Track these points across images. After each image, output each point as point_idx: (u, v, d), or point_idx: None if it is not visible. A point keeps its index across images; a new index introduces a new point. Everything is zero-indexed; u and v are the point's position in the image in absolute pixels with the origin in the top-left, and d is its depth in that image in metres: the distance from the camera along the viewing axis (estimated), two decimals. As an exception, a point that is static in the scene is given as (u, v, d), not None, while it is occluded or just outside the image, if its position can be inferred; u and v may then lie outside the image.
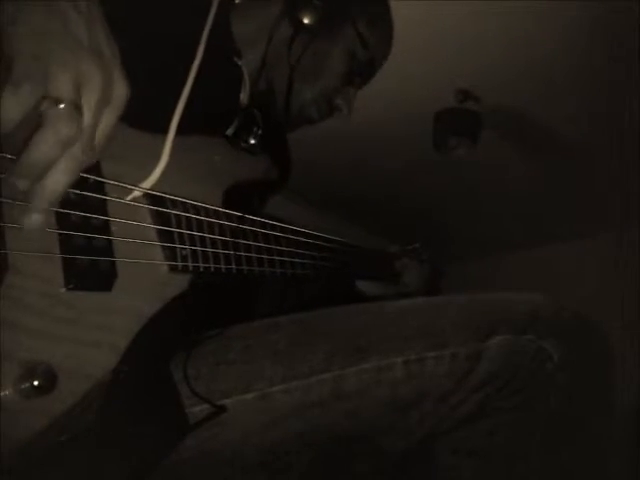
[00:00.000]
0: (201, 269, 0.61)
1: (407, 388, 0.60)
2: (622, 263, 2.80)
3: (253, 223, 0.70)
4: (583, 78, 2.00)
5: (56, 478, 0.50)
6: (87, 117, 0.42)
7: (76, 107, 0.40)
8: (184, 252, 0.59)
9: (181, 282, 0.60)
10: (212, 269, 0.63)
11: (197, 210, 0.63)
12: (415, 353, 0.60)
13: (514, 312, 0.60)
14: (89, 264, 0.50)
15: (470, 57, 1.96)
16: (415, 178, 2.77)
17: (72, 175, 0.42)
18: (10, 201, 0.44)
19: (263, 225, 0.72)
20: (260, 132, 0.74)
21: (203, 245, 0.62)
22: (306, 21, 0.77)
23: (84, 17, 0.43)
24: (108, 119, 0.44)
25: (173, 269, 0.58)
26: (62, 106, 0.39)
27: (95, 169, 0.52)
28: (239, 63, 0.79)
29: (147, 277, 0.56)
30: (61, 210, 0.48)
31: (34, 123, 0.40)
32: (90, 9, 0.44)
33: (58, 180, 0.41)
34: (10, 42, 0.39)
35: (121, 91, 0.44)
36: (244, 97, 0.80)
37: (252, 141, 0.73)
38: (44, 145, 0.40)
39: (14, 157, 0.42)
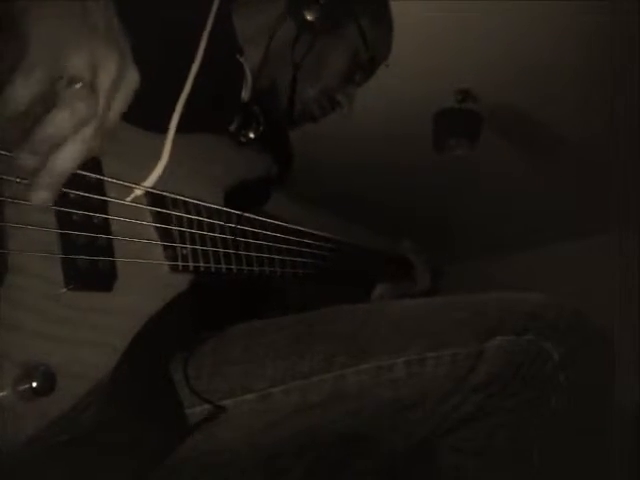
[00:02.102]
0: (201, 269, 0.61)
1: (408, 388, 0.60)
2: (622, 263, 2.80)
3: (254, 222, 0.70)
4: (583, 78, 2.00)
5: (55, 478, 0.50)
6: (101, 99, 0.42)
7: (92, 87, 0.41)
8: (184, 252, 0.59)
9: (181, 282, 0.60)
10: (212, 269, 0.62)
11: (198, 209, 0.63)
12: (416, 353, 0.60)
13: (514, 312, 0.60)
14: (89, 264, 0.50)
15: (470, 57, 1.97)
16: (415, 178, 2.77)
17: (81, 155, 0.43)
18: (10, 200, 0.44)
19: (263, 224, 0.72)
20: (261, 127, 0.74)
21: (203, 245, 0.62)
22: (309, 18, 0.77)
23: (102, 9, 0.44)
24: (119, 104, 0.44)
25: (173, 269, 0.58)
26: (78, 85, 0.40)
27: (96, 168, 0.52)
28: (241, 60, 0.79)
29: (147, 277, 0.56)
30: (61, 209, 0.48)
31: (47, 105, 0.40)
32: (106, 2, 0.45)
33: (67, 158, 0.42)
34: (27, 24, 0.39)
35: (133, 77, 0.45)
36: (246, 94, 0.80)
37: (252, 135, 0.73)
38: (60, 121, 0.40)
39: (13, 155, 0.42)
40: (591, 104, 2.12)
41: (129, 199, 0.55)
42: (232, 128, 0.75)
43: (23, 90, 0.38)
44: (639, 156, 2.26)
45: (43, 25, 0.40)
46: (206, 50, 0.65)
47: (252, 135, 0.73)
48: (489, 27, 1.82)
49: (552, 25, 1.77)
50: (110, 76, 0.42)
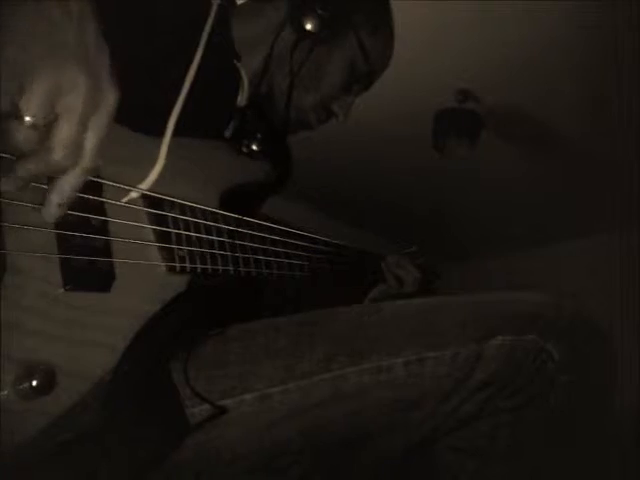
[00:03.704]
0: (199, 270, 0.61)
1: (407, 388, 0.60)
2: (622, 263, 2.80)
3: (250, 224, 0.70)
4: (583, 78, 2.00)
5: (56, 478, 0.50)
6: (67, 126, 0.41)
7: (34, 127, 0.40)
8: (181, 253, 0.59)
9: (179, 283, 0.60)
10: (210, 270, 0.62)
11: (194, 211, 0.63)
12: (415, 353, 0.60)
13: (515, 312, 0.60)
14: (87, 265, 0.50)
15: (470, 57, 1.97)
16: (415, 178, 2.77)
17: (78, 181, 0.44)
18: (9, 201, 0.44)
19: (260, 226, 0.72)
20: (261, 137, 0.74)
21: (200, 246, 0.62)
22: (309, 28, 0.77)
23: (73, 19, 0.42)
24: (97, 125, 0.43)
25: (171, 270, 0.58)
26: (27, 122, 0.39)
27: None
28: (238, 65, 0.79)
29: (145, 278, 0.56)
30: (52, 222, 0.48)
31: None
32: (82, 9, 0.43)
33: (62, 186, 0.44)
34: None
35: (109, 96, 0.44)
36: (242, 99, 0.80)
37: (254, 147, 0.73)
38: (23, 167, 0.42)
39: (13, 157, 0.42)
40: (591, 104, 2.12)
41: (124, 199, 0.55)
42: (227, 133, 0.76)
43: None
44: (639, 155, 2.26)
45: (6, 47, 0.39)
46: (203, 55, 0.65)
47: (254, 147, 0.73)
48: (489, 27, 1.82)
49: (552, 25, 1.77)
50: (79, 100, 0.41)
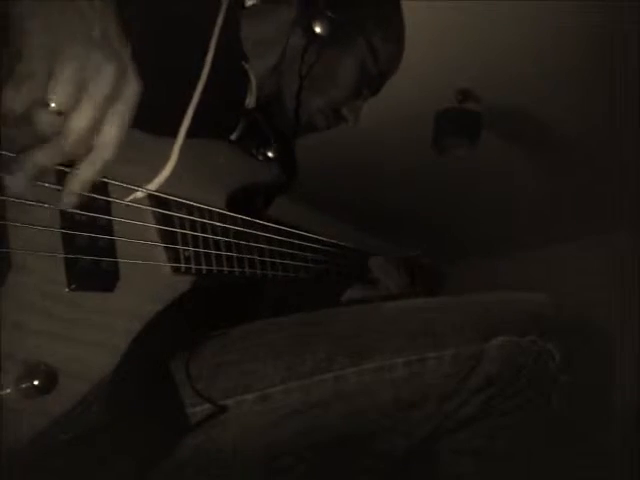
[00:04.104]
0: (204, 271, 0.61)
1: (408, 388, 0.60)
2: (622, 263, 2.80)
3: (255, 225, 0.70)
4: (583, 78, 2.00)
5: (56, 478, 0.50)
6: (86, 112, 0.41)
7: (59, 113, 0.40)
8: (187, 254, 0.59)
9: (184, 284, 0.60)
10: (215, 271, 0.62)
11: (201, 212, 0.63)
12: (416, 353, 0.60)
13: (516, 312, 0.60)
14: (92, 264, 0.50)
15: (470, 57, 1.97)
16: (415, 178, 2.77)
17: (98, 170, 0.44)
18: (14, 200, 0.44)
19: (265, 227, 0.72)
20: (268, 140, 0.74)
21: (206, 247, 0.62)
22: (319, 31, 0.77)
23: (98, 14, 0.43)
24: (119, 113, 0.44)
25: (176, 271, 0.58)
26: (52, 108, 0.40)
27: None
28: (246, 67, 0.79)
29: (150, 278, 0.56)
30: (68, 210, 0.48)
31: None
32: (104, 7, 0.44)
33: (83, 173, 0.44)
34: (22, 35, 0.39)
35: (133, 87, 0.44)
36: (250, 101, 0.80)
37: (270, 154, 0.74)
38: (40, 156, 0.42)
39: (14, 155, 0.42)
40: (591, 104, 2.12)
41: (129, 198, 0.55)
42: (235, 135, 0.76)
43: (14, 98, 0.38)
44: (638, 155, 2.26)
45: (37, 33, 0.39)
46: (213, 56, 0.66)
47: (270, 154, 0.74)
48: (489, 27, 1.82)
49: (552, 25, 1.77)
50: (104, 87, 0.42)
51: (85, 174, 0.44)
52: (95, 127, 0.42)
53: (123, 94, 0.43)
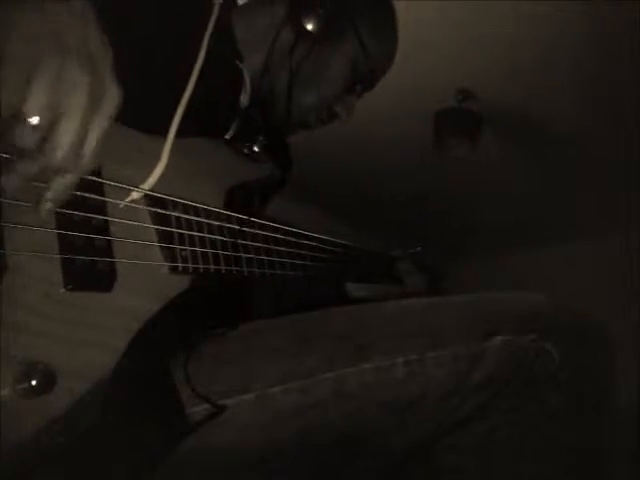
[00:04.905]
0: (201, 270, 0.61)
1: (408, 388, 0.60)
2: (622, 263, 2.80)
3: (253, 224, 0.70)
4: (583, 78, 2.00)
5: (55, 478, 0.50)
6: (69, 126, 0.41)
7: (36, 128, 0.40)
8: (184, 253, 0.59)
9: (181, 283, 0.60)
10: (212, 270, 0.62)
11: (197, 211, 0.63)
12: (416, 353, 0.60)
13: (515, 312, 0.60)
14: (88, 265, 0.50)
15: (470, 57, 1.97)
16: (415, 178, 2.77)
17: (59, 190, 0.44)
18: (10, 201, 0.44)
19: (263, 226, 0.72)
20: (263, 137, 0.74)
21: (203, 246, 0.62)
22: (309, 28, 0.77)
23: (77, 20, 0.42)
24: (98, 124, 0.43)
25: (173, 270, 0.58)
26: (33, 122, 0.39)
27: (95, 169, 0.52)
28: (240, 66, 0.79)
29: (147, 278, 0.56)
30: (61, 210, 0.48)
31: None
32: (85, 11, 0.44)
33: (59, 186, 0.44)
34: (1, 45, 0.38)
35: (112, 95, 0.44)
36: (244, 99, 0.80)
37: (256, 149, 0.73)
38: (22, 168, 0.41)
39: (12, 157, 0.42)
40: (591, 104, 2.12)
41: (127, 200, 0.55)
42: (230, 133, 0.76)
43: None
44: (639, 155, 2.26)
45: (14, 46, 0.39)
46: (206, 55, 0.65)
47: (256, 149, 0.73)
48: (489, 27, 1.82)
49: (552, 25, 1.77)
50: (82, 98, 0.41)
51: (62, 184, 0.44)
52: (79, 139, 0.42)
53: (101, 105, 0.43)
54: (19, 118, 0.39)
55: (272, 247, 0.73)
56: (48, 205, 0.44)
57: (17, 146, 0.40)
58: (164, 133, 0.59)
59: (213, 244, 0.64)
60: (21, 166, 0.41)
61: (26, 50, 0.39)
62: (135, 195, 0.55)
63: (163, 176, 0.57)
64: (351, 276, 1.00)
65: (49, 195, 0.44)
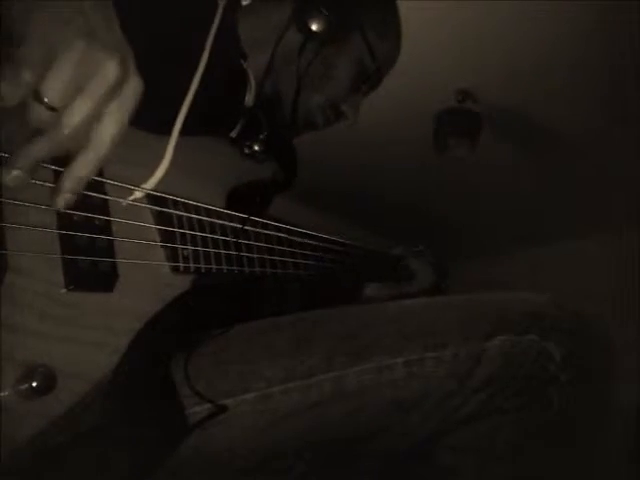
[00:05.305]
0: (203, 270, 0.61)
1: (408, 388, 0.60)
2: (622, 263, 2.80)
3: (255, 224, 0.70)
4: (583, 78, 2.00)
5: (56, 479, 0.50)
6: (82, 106, 0.41)
7: (52, 109, 0.39)
8: (186, 253, 0.59)
9: (183, 283, 0.60)
10: (214, 270, 0.62)
11: (199, 211, 0.63)
12: (416, 353, 0.60)
13: (516, 312, 0.60)
14: (90, 265, 0.50)
15: (470, 57, 1.97)
16: (415, 178, 2.77)
17: (97, 162, 0.43)
18: (10, 201, 0.44)
19: (265, 226, 0.72)
20: (264, 138, 0.74)
21: (205, 246, 0.62)
22: (314, 28, 0.77)
23: (100, 11, 0.43)
24: (117, 111, 0.43)
25: (175, 270, 0.58)
26: (44, 103, 0.39)
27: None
28: (245, 65, 0.79)
29: (149, 278, 0.56)
30: (62, 210, 0.48)
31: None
32: (106, 10, 0.44)
33: (79, 166, 0.43)
34: (25, 24, 0.38)
35: (134, 85, 0.44)
36: (249, 99, 0.80)
37: (256, 148, 0.73)
38: (35, 149, 0.41)
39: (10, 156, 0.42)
40: (591, 104, 2.12)
41: (129, 199, 0.55)
42: (234, 133, 0.75)
43: (9, 89, 0.37)
44: (639, 155, 2.26)
45: (39, 28, 0.39)
46: (210, 55, 0.65)
47: (256, 147, 0.73)
48: (489, 27, 1.82)
49: (552, 25, 1.77)
50: (104, 84, 0.41)
51: (78, 172, 0.43)
52: (90, 123, 0.42)
53: (123, 92, 0.43)
54: (36, 98, 0.39)
55: (274, 246, 0.73)
56: (67, 196, 0.43)
57: (31, 125, 0.40)
58: (167, 132, 0.59)
59: (215, 244, 0.63)
60: (31, 146, 0.41)
61: (51, 31, 0.39)
62: (138, 194, 0.55)
63: (166, 175, 0.57)
64: (369, 277, 1.01)
65: (66, 185, 0.43)
